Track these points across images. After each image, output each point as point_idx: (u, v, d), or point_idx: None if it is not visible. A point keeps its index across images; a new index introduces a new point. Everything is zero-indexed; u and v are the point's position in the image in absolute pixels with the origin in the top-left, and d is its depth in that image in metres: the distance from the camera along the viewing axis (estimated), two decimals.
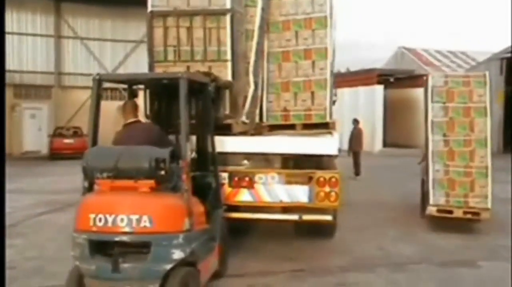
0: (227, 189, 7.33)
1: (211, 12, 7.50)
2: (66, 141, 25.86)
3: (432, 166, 9.55)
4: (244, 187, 7.38)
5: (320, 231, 8.42)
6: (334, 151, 7.53)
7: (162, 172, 5.11)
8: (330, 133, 8.06)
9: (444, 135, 9.55)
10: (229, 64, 7.47)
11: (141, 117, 6.54)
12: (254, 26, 8.18)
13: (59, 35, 29.59)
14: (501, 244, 8.52)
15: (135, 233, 4.89)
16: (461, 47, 40.24)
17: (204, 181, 6.33)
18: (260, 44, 8.25)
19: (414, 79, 28.42)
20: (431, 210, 9.39)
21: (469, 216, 9.23)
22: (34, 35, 29.02)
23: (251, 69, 8.05)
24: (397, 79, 32.11)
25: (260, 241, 8.48)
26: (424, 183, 10.07)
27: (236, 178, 7.37)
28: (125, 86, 6.94)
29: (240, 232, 8.25)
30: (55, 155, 25.47)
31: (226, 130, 7.33)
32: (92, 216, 4.94)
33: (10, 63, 25.99)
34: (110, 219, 4.89)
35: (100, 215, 4.91)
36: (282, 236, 8.72)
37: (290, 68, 8.46)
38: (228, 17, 7.46)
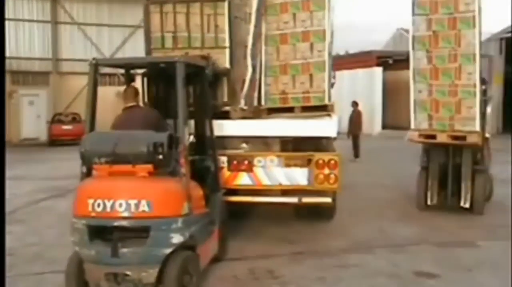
0: (226, 173, 7.32)
1: None
2: (65, 127, 25.89)
3: (414, 87, 8.75)
4: (243, 170, 7.37)
5: (319, 214, 8.44)
6: (333, 133, 7.52)
7: (160, 157, 5.09)
8: (329, 115, 8.02)
9: (427, 51, 8.63)
10: (227, 51, 7.50)
11: (140, 103, 6.57)
12: (252, 9, 8.12)
13: (56, 21, 29.42)
14: (499, 223, 8.54)
15: (134, 218, 4.90)
16: None
17: (202, 165, 6.32)
18: (257, 27, 8.17)
19: None
20: (413, 135, 8.72)
21: (454, 141, 8.51)
22: (31, 21, 28.86)
23: (249, 52, 7.99)
24: (396, 61, 31.96)
25: (259, 224, 8.50)
26: (423, 172, 9.35)
27: (235, 162, 7.36)
28: (123, 71, 6.92)
29: (239, 216, 8.26)
30: (54, 141, 25.53)
31: (224, 117, 7.35)
32: (90, 201, 4.94)
33: (7, 50, 25.87)
34: (108, 204, 4.89)
35: (99, 200, 4.92)
36: (281, 218, 8.74)
37: (288, 51, 8.38)
38: (226, 4, 7.48)
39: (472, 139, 8.34)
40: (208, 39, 7.54)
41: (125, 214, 4.89)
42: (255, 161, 7.35)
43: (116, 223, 4.93)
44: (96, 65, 5.74)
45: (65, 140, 24.15)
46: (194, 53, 7.30)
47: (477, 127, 8.38)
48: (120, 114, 6.19)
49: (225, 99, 7.45)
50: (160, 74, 7.07)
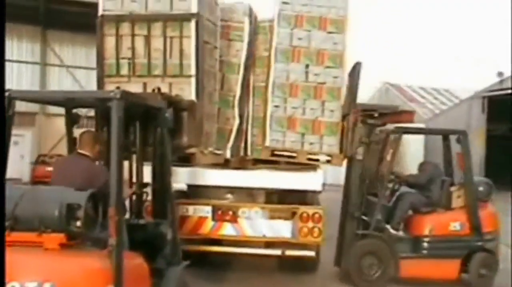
0: (209, 223, 7.29)
1: (173, 17, 6.68)
2: (49, 169, 25.49)
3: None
4: (228, 221, 7.34)
5: (303, 266, 8.37)
6: (318, 187, 7.54)
7: (78, 223, 3.83)
8: (314, 168, 8.06)
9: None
10: (193, 80, 6.65)
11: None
12: (240, 60, 8.22)
13: (45, 63, 29.53)
14: None
15: None
16: (444, 85, 40.73)
17: (157, 231, 5.00)
18: (245, 78, 8.29)
19: (398, 115, 28.61)
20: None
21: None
22: (20, 62, 28.93)
23: (236, 102, 8.09)
24: (381, 114, 32.39)
25: (242, 275, 8.40)
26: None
27: (219, 212, 7.34)
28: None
29: (222, 265, 8.17)
30: (37, 183, 25.20)
31: (186, 161, 6.85)
32: None
33: None
34: None
35: None
36: (264, 269, 8.64)
37: None
38: (192, 24, 6.62)
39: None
40: (171, 67, 6.71)
41: None
42: (240, 212, 7.33)
43: None
44: (10, 98, 4.30)
45: (48, 182, 23.76)
46: (154, 82, 6.41)
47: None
48: (62, 160, 5.11)
49: (187, 138, 5.99)
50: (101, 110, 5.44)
